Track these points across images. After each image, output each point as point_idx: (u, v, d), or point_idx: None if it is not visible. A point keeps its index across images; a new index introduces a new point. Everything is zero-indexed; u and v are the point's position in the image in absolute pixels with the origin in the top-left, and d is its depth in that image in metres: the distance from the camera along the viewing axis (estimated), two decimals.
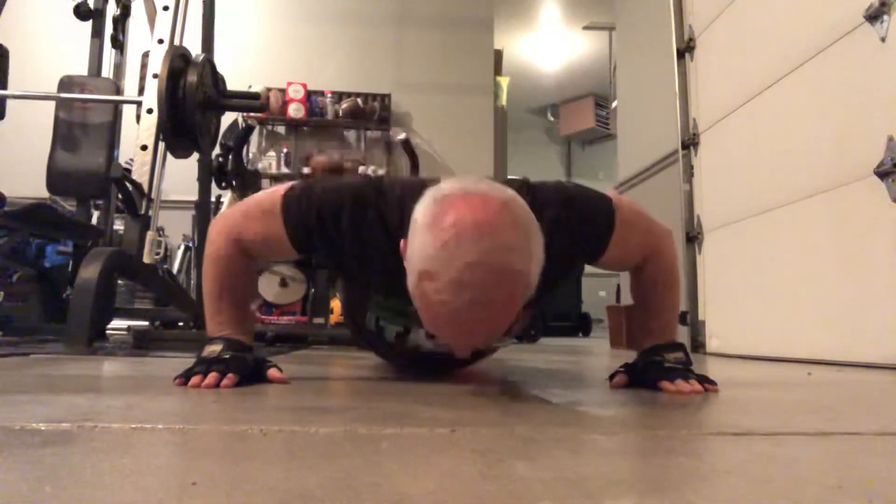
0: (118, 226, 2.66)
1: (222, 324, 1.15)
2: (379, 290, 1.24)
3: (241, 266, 1.18)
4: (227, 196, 3.50)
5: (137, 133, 2.26)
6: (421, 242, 0.89)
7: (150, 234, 2.18)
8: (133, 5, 3.03)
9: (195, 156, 2.52)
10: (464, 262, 0.84)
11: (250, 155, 5.07)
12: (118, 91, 2.92)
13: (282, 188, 1.15)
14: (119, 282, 2.62)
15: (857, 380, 1.55)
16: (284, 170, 5.07)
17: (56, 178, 2.80)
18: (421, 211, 0.91)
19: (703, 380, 1.13)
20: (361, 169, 5.11)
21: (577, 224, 1.12)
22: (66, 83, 2.84)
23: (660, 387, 1.11)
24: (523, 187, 1.07)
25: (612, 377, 1.22)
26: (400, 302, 1.14)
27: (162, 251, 2.19)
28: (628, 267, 1.29)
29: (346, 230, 1.09)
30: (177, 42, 2.39)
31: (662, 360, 1.16)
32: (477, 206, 0.88)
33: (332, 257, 1.17)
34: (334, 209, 1.10)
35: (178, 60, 2.22)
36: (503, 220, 0.88)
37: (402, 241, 0.97)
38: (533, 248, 0.90)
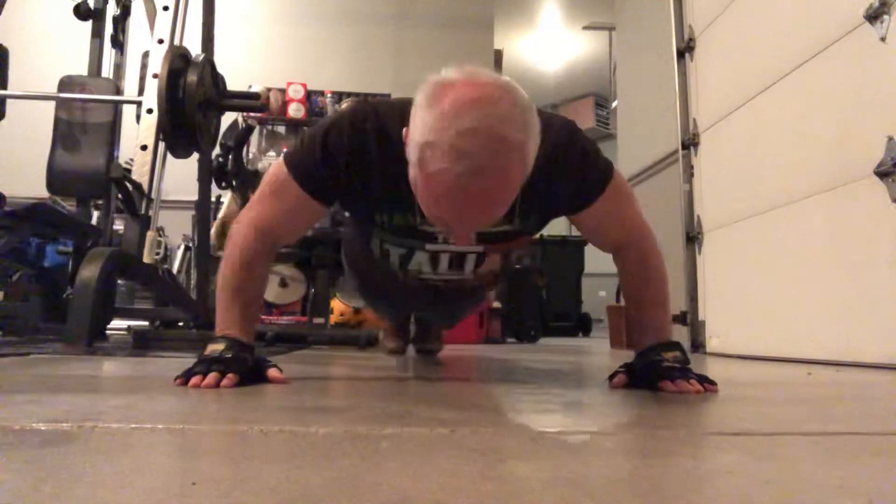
0: (118, 226, 2.66)
1: (229, 321, 1.15)
2: (384, 207, 1.25)
3: (261, 260, 1.20)
4: (227, 196, 3.50)
5: (137, 133, 2.26)
6: (421, 119, 0.92)
7: (150, 234, 2.18)
8: (133, 5, 3.02)
9: (195, 156, 2.52)
10: (461, 129, 0.87)
11: (250, 155, 5.06)
12: (118, 91, 2.92)
13: (278, 160, 1.19)
14: (119, 282, 2.61)
15: (857, 380, 1.55)
16: None
17: (56, 178, 2.80)
18: (422, 94, 0.95)
19: (703, 379, 1.13)
20: None
21: (575, 161, 1.15)
22: (66, 83, 2.84)
23: (660, 387, 1.11)
24: (539, 109, 1.09)
25: (611, 377, 1.22)
26: (405, 217, 1.19)
27: (162, 251, 2.19)
28: (605, 241, 1.29)
29: (349, 147, 1.12)
30: (177, 42, 2.39)
31: (661, 360, 1.16)
32: (476, 85, 0.92)
33: (341, 185, 1.18)
34: (334, 133, 1.13)
35: (178, 60, 2.21)
36: (501, 95, 0.92)
37: (404, 130, 1.00)
38: (529, 125, 0.93)
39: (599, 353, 2.96)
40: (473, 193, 0.90)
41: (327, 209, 1.25)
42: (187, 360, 1.15)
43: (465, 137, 0.87)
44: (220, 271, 1.19)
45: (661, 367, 1.14)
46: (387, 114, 1.12)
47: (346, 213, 1.64)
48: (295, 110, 5.13)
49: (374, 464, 0.54)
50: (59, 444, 0.58)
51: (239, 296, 1.17)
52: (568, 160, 1.13)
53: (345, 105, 5.13)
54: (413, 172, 0.95)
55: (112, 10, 3.03)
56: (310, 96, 5.18)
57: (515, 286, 4.18)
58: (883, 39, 1.89)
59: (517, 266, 4.16)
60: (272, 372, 1.15)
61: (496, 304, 4.00)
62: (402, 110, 1.05)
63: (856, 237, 2.01)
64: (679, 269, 3.07)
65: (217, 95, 2.37)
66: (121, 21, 3.02)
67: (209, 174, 2.88)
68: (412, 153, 0.94)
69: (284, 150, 5.58)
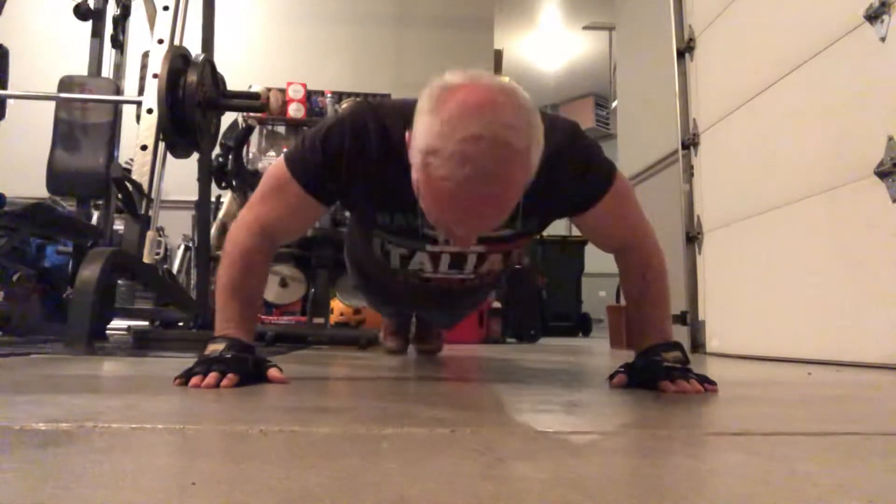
0: (118, 226, 2.66)
1: (229, 321, 1.15)
2: (385, 208, 1.25)
3: (261, 260, 1.20)
4: (227, 196, 3.50)
5: (137, 133, 2.26)
6: (424, 124, 0.92)
7: (150, 234, 2.18)
8: (133, 5, 3.02)
9: (195, 156, 2.52)
10: (465, 135, 0.87)
11: (250, 155, 5.06)
12: (118, 91, 2.91)
13: (278, 159, 1.19)
14: (119, 282, 2.61)
15: (857, 380, 1.55)
16: None
17: (56, 178, 2.80)
18: (425, 98, 0.95)
19: (703, 380, 1.13)
20: None
21: (578, 163, 1.15)
22: (66, 83, 2.83)
23: (660, 387, 1.11)
24: (541, 111, 1.08)
25: (611, 377, 1.22)
26: (406, 217, 1.19)
27: (162, 251, 2.19)
28: (607, 242, 1.30)
29: (350, 148, 1.11)
30: (177, 42, 2.39)
31: (661, 360, 1.16)
32: (480, 89, 0.92)
33: (343, 189, 1.18)
34: (336, 134, 1.13)
35: (178, 60, 2.21)
36: (505, 100, 0.91)
37: (407, 133, 1.00)
38: (533, 129, 0.93)
39: (599, 353, 2.96)
40: (477, 199, 0.91)
41: (327, 209, 1.25)
42: (187, 360, 1.15)
43: (468, 144, 0.87)
44: (220, 271, 1.19)
45: (661, 367, 1.15)
46: (388, 115, 1.12)
47: (347, 213, 1.64)
48: (295, 110, 5.12)
49: (373, 464, 0.54)
50: (59, 444, 0.58)
51: (239, 295, 1.17)
52: (571, 162, 1.13)
53: (345, 105, 5.14)
54: (416, 176, 0.95)
55: (112, 10, 3.03)
56: (310, 96, 5.18)
57: (515, 286, 4.18)
58: (883, 39, 1.89)
59: (517, 266, 4.16)
60: (272, 372, 1.15)
61: (496, 304, 4.00)
62: (403, 112, 1.05)
63: (856, 237, 2.01)
64: (679, 269, 3.07)
65: (217, 95, 2.37)
66: (121, 21, 3.02)
67: (209, 174, 2.88)
68: (415, 157, 0.94)
69: (284, 149, 5.56)
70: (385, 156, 1.10)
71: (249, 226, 1.18)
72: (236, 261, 1.17)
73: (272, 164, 1.21)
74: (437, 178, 0.90)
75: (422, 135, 0.92)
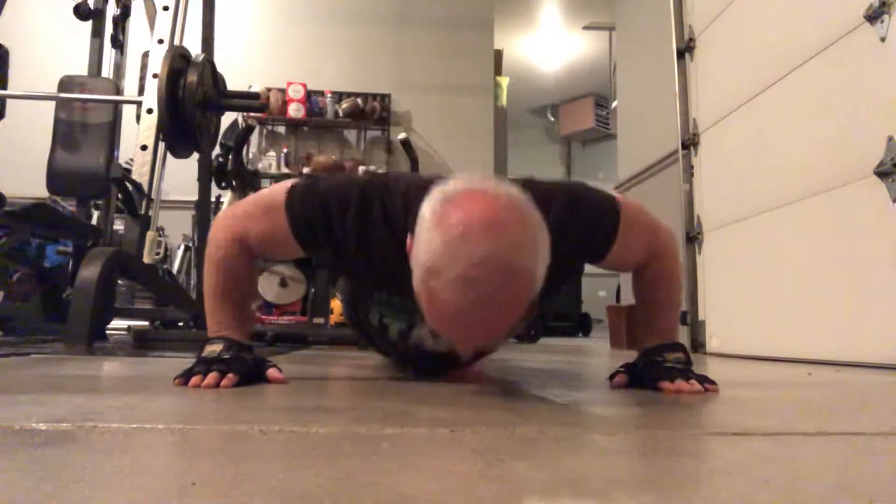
0: (118, 226, 2.66)
1: (222, 323, 1.15)
2: (383, 287, 1.24)
3: (243, 266, 1.18)
4: (227, 196, 3.50)
5: (137, 133, 2.26)
6: (427, 240, 0.88)
7: (150, 234, 2.18)
8: (133, 5, 3.02)
9: (195, 156, 2.52)
10: (470, 261, 0.84)
11: (250, 155, 5.07)
12: (118, 91, 2.92)
13: (284, 185, 1.15)
14: (119, 282, 2.61)
15: (857, 380, 1.55)
16: (284, 170, 5.07)
17: (56, 178, 2.80)
18: (428, 208, 0.91)
19: (704, 380, 1.13)
20: (361, 169, 5.11)
21: (581, 226, 1.11)
22: (66, 83, 2.84)
23: (659, 387, 1.11)
24: (527, 185, 1.06)
25: (612, 377, 1.22)
26: (404, 300, 1.15)
27: (162, 251, 2.19)
28: (631, 267, 1.28)
29: (351, 227, 1.09)
30: (177, 42, 2.39)
31: (663, 360, 1.16)
32: (484, 205, 0.87)
33: (336, 255, 1.16)
34: (339, 205, 1.09)
35: (178, 60, 2.22)
36: (510, 218, 0.87)
37: (408, 238, 0.96)
38: (539, 247, 0.90)
39: (599, 353, 2.96)
40: (480, 321, 0.88)
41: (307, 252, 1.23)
42: (187, 360, 1.14)
43: (473, 269, 0.84)
44: (205, 275, 1.17)
45: (662, 367, 1.14)
46: (394, 201, 1.09)
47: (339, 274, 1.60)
48: (295, 110, 5.13)
49: (373, 464, 0.54)
50: (59, 444, 0.58)
51: (227, 297, 1.16)
52: (575, 231, 1.09)
53: (345, 105, 5.13)
54: (417, 288, 0.92)
55: (112, 10, 3.03)
56: (310, 96, 5.18)
57: None
58: (883, 39, 1.89)
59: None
60: (272, 372, 1.15)
61: None
62: (407, 205, 1.03)
63: (856, 237, 2.01)
64: (680, 269, 3.07)
65: (217, 95, 2.37)
66: (121, 21, 3.02)
67: (209, 174, 2.88)
68: (417, 271, 0.91)
69: (285, 151, 5.51)
70: (386, 243, 1.08)
71: (231, 234, 1.15)
72: (220, 265, 1.15)
73: (276, 185, 1.18)
74: (441, 301, 0.87)
75: (423, 250, 0.89)
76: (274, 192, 1.16)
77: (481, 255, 0.84)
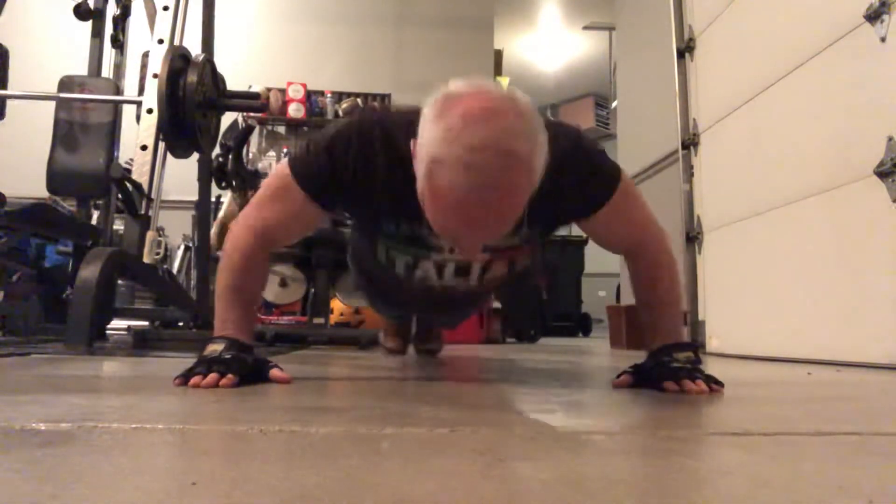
0: (118, 226, 2.66)
1: (228, 322, 1.15)
2: (390, 217, 1.25)
3: (259, 262, 1.20)
4: (227, 196, 3.50)
5: (137, 133, 2.26)
6: (429, 132, 0.92)
7: (150, 234, 2.18)
8: (133, 5, 3.02)
9: (195, 156, 2.52)
10: (469, 144, 0.87)
11: (250, 155, 5.06)
12: (118, 91, 2.91)
13: (282, 163, 1.19)
14: (119, 282, 2.61)
15: (857, 380, 1.55)
16: None
17: (56, 178, 2.80)
18: (429, 107, 0.95)
19: (710, 380, 1.12)
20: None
21: (582, 168, 1.14)
22: (66, 83, 2.83)
23: (664, 387, 1.11)
24: (545, 117, 1.07)
25: (618, 377, 1.22)
26: (411, 227, 1.19)
27: (162, 251, 2.19)
28: (616, 244, 1.29)
29: (356, 157, 1.11)
30: (177, 42, 2.39)
31: (671, 360, 1.15)
32: (483, 97, 0.92)
33: (347, 196, 1.18)
34: (341, 141, 1.13)
35: (178, 60, 2.21)
36: (508, 107, 0.92)
37: (412, 142, 1.00)
38: (537, 137, 0.93)
39: (599, 353, 2.96)
40: (482, 208, 0.91)
41: (327, 215, 1.25)
42: (187, 360, 1.15)
43: (473, 152, 0.87)
44: (219, 272, 1.19)
45: (669, 367, 1.14)
46: (394, 124, 1.11)
47: (350, 219, 1.64)
48: (295, 110, 5.12)
49: (374, 464, 0.54)
50: (59, 444, 0.58)
51: (238, 297, 1.17)
52: (575, 168, 1.12)
53: (345, 105, 5.14)
54: (421, 185, 0.95)
55: (112, 10, 3.03)
56: (310, 96, 5.18)
57: (515, 286, 4.18)
58: (883, 39, 1.89)
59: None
60: (275, 372, 1.15)
61: (496, 304, 3.99)
62: (408, 121, 1.05)
63: (856, 237, 2.01)
64: (679, 269, 3.08)
65: (217, 95, 2.37)
66: (121, 21, 3.02)
67: (209, 174, 2.88)
68: (420, 166, 0.94)
69: (285, 150, 5.54)
70: (391, 165, 1.10)
71: (248, 229, 1.18)
72: (236, 262, 1.17)
73: (276, 166, 1.21)
74: (442, 187, 0.90)
75: (426, 143, 0.92)
76: (276, 172, 1.20)
77: (481, 138, 0.87)
